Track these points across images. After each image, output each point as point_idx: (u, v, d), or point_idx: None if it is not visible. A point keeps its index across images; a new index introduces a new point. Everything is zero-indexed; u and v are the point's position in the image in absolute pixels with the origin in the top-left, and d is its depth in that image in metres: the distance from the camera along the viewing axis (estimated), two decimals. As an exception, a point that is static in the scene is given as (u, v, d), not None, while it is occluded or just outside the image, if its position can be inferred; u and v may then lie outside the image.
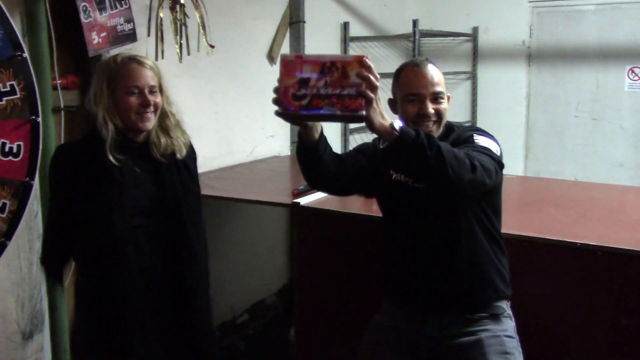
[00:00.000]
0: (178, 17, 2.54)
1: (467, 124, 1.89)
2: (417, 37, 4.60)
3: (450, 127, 1.92)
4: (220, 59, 3.39)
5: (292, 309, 2.90)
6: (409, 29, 4.65)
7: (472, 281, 1.85)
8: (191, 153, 2.08)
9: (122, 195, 1.87)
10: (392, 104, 1.92)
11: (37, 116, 2.08)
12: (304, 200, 2.73)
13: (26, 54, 2.17)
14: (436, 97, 1.83)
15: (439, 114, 1.83)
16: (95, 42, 2.71)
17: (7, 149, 2.00)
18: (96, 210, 1.86)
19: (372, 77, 1.46)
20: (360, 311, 2.67)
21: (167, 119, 1.98)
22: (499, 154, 1.81)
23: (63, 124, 2.62)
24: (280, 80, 1.48)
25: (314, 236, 2.75)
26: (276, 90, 1.50)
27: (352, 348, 2.70)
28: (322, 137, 1.76)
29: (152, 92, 1.92)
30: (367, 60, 1.46)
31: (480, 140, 1.80)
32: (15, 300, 2.46)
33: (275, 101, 1.51)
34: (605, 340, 2.15)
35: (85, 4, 2.64)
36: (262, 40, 3.84)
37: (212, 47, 2.66)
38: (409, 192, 1.87)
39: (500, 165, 1.80)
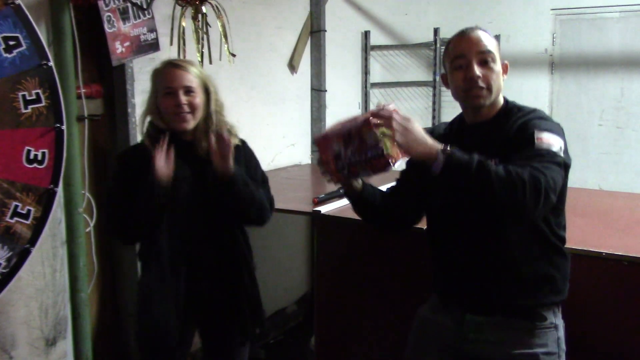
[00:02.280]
0: (200, 26, 2.56)
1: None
2: (438, 45, 4.59)
3: (510, 108, 1.75)
4: (242, 68, 3.41)
5: (312, 318, 2.89)
6: (430, 37, 4.64)
7: (508, 283, 1.72)
8: (238, 156, 2.08)
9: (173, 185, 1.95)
10: (444, 79, 1.82)
11: (62, 124, 2.11)
12: (325, 209, 2.73)
13: (51, 63, 2.20)
14: (484, 59, 1.68)
15: (487, 80, 1.68)
16: (118, 51, 2.74)
17: (32, 156, 2.03)
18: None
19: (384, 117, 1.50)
20: (381, 320, 2.65)
21: (210, 120, 2.03)
22: (563, 149, 1.63)
23: (87, 133, 2.65)
24: (322, 156, 1.65)
25: (335, 244, 2.74)
26: (320, 163, 1.68)
27: (372, 356, 2.69)
28: (365, 184, 1.83)
29: (188, 92, 1.98)
30: (371, 119, 1.51)
31: (544, 139, 1.60)
32: (39, 307, 2.48)
33: (324, 173, 1.69)
34: (633, 350, 2.11)
35: (109, 14, 2.68)
36: (283, 49, 3.86)
37: (234, 55, 2.68)
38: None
39: (566, 167, 1.65)
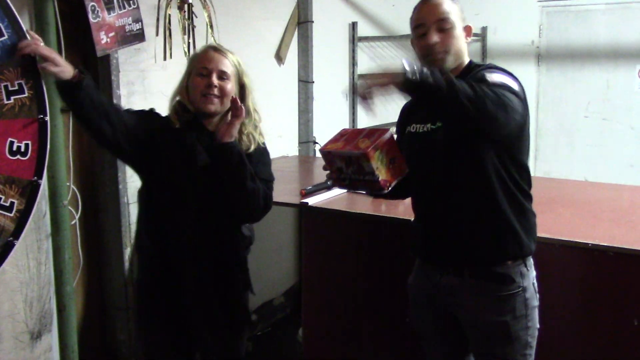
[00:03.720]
0: (186, 16, 2.54)
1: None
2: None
3: (472, 67, 1.82)
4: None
5: (300, 310, 2.89)
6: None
7: (473, 236, 1.78)
8: (258, 155, 2.09)
9: (181, 167, 1.98)
10: (413, 45, 1.90)
11: (46, 115, 2.07)
12: (312, 201, 2.72)
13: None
14: (442, 27, 1.76)
15: (445, 44, 1.76)
16: (103, 42, 2.70)
17: (15, 147, 1.99)
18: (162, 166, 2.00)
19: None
20: (368, 311, 2.66)
21: (245, 115, 2.01)
22: (519, 90, 1.68)
23: (72, 124, 2.62)
24: (326, 166, 1.82)
25: (322, 236, 2.74)
26: (325, 168, 1.83)
27: (359, 348, 2.69)
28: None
29: (221, 77, 1.98)
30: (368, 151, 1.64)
31: (495, 77, 1.67)
32: (24, 300, 2.46)
33: (329, 177, 1.84)
34: (617, 341, 2.13)
35: (93, 4, 2.63)
36: (270, 40, 3.84)
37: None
38: (426, 144, 1.84)
39: (524, 103, 1.68)
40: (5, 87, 1.92)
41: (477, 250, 1.79)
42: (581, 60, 4.86)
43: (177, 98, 2.05)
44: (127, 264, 2.87)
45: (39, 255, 2.48)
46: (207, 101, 1.97)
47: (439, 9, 1.78)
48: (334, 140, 1.78)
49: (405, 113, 2.03)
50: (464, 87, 1.52)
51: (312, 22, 4.04)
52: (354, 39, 4.58)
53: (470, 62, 1.85)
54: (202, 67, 1.98)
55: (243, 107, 1.95)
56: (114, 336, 2.95)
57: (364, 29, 4.65)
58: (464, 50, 1.83)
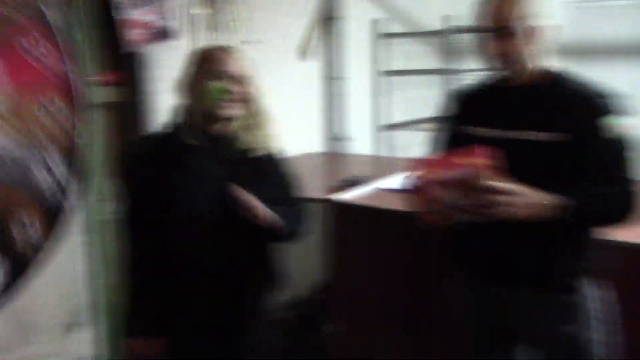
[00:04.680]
0: (212, 13, 2.55)
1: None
2: (449, 33, 4.57)
3: (556, 77, 1.67)
4: (255, 54, 3.39)
5: (328, 306, 2.89)
6: (442, 25, 4.62)
7: (545, 254, 1.67)
8: (270, 166, 2.03)
9: (190, 180, 1.89)
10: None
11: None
12: (339, 196, 2.72)
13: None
14: (504, 34, 1.58)
15: (510, 54, 1.59)
16: (131, 38, 2.73)
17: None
18: (164, 192, 1.89)
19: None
20: (397, 308, 2.65)
21: (257, 115, 1.97)
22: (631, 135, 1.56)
23: (103, 120, 2.65)
24: (423, 198, 1.62)
25: (349, 232, 2.75)
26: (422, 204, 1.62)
27: (387, 345, 2.69)
28: None
29: (237, 81, 1.90)
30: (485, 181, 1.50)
31: (614, 127, 1.54)
32: (59, 293, 2.49)
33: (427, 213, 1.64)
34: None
35: (121, 0, 2.66)
36: (295, 36, 3.84)
37: (246, 42, 2.66)
38: (516, 153, 1.65)
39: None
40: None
41: (545, 263, 1.68)
42: (605, 56, 4.80)
43: (189, 102, 1.94)
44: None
45: (73, 250, 2.52)
46: (221, 106, 1.88)
47: (501, 15, 1.62)
48: (422, 172, 1.63)
49: (465, 107, 1.83)
50: (600, 209, 1.54)
51: (338, 18, 4.04)
52: (379, 35, 4.58)
53: (555, 70, 1.70)
54: (214, 70, 1.89)
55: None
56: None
57: (388, 25, 4.64)
58: (536, 52, 1.68)
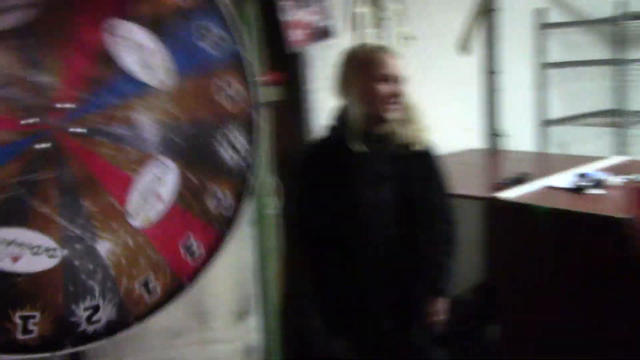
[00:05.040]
0: (377, 10, 2.56)
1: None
2: (621, 20, 4.22)
3: None
4: (413, 51, 3.36)
5: (490, 307, 2.78)
6: (612, 11, 4.28)
7: None
8: (423, 161, 2.06)
9: (365, 184, 1.93)
10: None
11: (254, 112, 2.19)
12: (504, 194, 2.61)
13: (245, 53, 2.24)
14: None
15: None
16: (294, 38, 2.82)
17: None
18: (341, 199, 1.94)
19: None
20: (565, 313, 2.47)
21: (409, 110, 2.00)
22: None
23: (268, 119, 2.75)
24: None
25: (514, 232, 2.62)
26: None
27: (555, 349, 2.52)
28: None
29: (400, 82, 1.95)
30: None
31: None
32: (231, 283, 2.62)
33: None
34: None
35: (285, 2, 2.76)
36: (455, 30, 3.76)
37: (413, 38, 2.64)
38: None
39: None
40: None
41: None
42: None
43: (357, 106, 1.97)
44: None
45: (242, 241, 2.64)
46: (390, 109, 1.93)
47: None
48: None
49: None
50: None
51: (498, 10, 3.90)
52: (541, 26, 4.35)
53: None
54: (383, 74, 1.92)
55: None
56: (309, 322, 3.04)
57: (552, 15, 4.39)
58: None
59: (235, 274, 2.64)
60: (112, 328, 1.78)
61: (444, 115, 3.70)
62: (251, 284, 2.69)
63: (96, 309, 1.74)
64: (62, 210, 1.66)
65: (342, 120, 1.99)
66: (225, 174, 2.00)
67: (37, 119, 1.61)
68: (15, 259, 1.61)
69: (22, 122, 1.58)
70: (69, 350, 1.71)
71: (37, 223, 1.63)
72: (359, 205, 1.92)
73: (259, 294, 2.69)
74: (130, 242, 1.79)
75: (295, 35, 2.82)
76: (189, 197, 1.90)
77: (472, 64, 3.90)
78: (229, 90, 1.98)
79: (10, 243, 1.59)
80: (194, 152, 1.90)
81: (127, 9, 1.76)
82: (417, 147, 2.00)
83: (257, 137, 2.03)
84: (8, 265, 1.60)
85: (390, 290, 1.98)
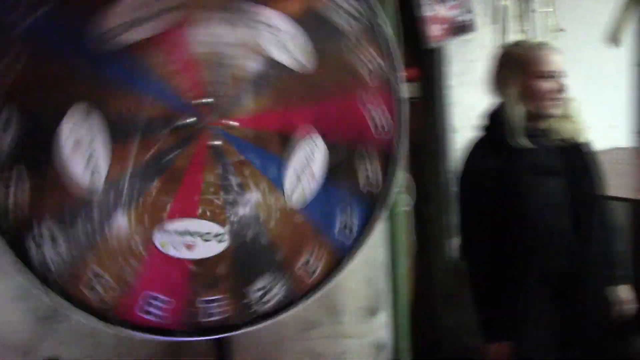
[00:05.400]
0: (522, 2, 2.46)
1: None
2: None
3: None
4: (559, 43, 3.20)
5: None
6: None
7: None
8: (579, 157, 2.03)
9: (533, 178, 1.93)
10: None
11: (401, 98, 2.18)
12: (660, 196, 2.43)
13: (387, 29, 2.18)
14: None
15: None
16: (435, 34, 2.77)
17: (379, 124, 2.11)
18: (509, 195, 1.93)
19: None
20: None
21: (568, 105, 1.99)
22: None
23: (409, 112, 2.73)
24: None
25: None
26: None
27: None
28: None
29: (560, 78, 1.95)
30: None
31: None
32: (363, 279, 2.66)
33: None
34: None
35: (425, -2, 2.71)
36: (602, 21, 3.52)
37: (562, 30, 2.52)
38: None
39: None
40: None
41: None
42: None
43: (518, 103, 1.94)
44: (451, 253, 2.91)
45: (376, 237, 2.65)
46: (554, 105, 1.94)
47: None
48: None
49: None
50: None
51: (653, -2, 3.60)
52: None
53: None
54: (547, 71, 1.93)
55: None
56: (439, 322, 3.02)
57: None
58: None
59: (367, 270, 2.67)
60: (280, 308, 1.90)
61: (588, 111, 3.51)
62: (382, 280, 2.70)
63: (267, 289, 1.85)
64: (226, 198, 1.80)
65: (500, 117, 1.98)
66: (372, 147, 2.01)
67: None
68: (190, 247, 1.75)
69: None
70: (244, 330, 1.84)
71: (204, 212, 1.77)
72: (528, 199, 1.92)
73: (389, 290, 2.70)
74: (290, 223, 1.87)
75: (434, 31, 2.77)
76: (339, 173, 1.93)
77: (620, 57, 3.65)
78: (369, 64, 1.98)
79: (183, 233, 1.74)
80: (340, 127, 1.92)
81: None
82: (576, 142, 2.00)
83: (398, 109, 2.01)
84: (185, 253, 1.75)
85: (561, 284, 1.95)
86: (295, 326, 2.46)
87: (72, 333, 1.98)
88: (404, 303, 2.69)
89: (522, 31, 2.56)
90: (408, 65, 2.86)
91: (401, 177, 2.66)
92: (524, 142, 1.91)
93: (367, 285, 2.67)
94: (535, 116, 1.94)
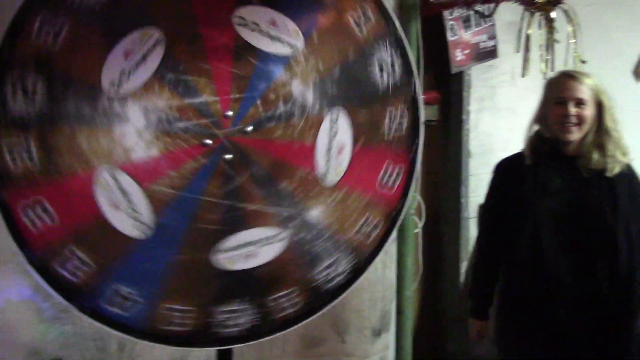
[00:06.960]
0: (548, 31, 2.45)
1: None
2: None
3: None
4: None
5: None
6: None
7: None
8: (628, 174, 2.02)
9: (535, 197, 1.99)
10: None
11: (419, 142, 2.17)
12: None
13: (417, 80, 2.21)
14: None
15: None
16: (458, 58, 2.78)
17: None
18: (516, 208, 2.03)
19: None
20: None
21: (605, 135, 1.97)
22: None
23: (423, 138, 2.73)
24: None
25: None
26: None
27: None
28: None
29: (578, 104, 1.96)
30: None
31: None
32: (369, 299, 2.65)
33: None
34: None
35: (452, 22, 2.73)
36: (629, 54, 3.50)
37: (584, 62, 2.50)
38: None
39: None
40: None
41: None
42: None
43: (535, 128, 2.06)
44: (462, 277, 2.90)
45: (385, 258, 2.66)
46: (564, 130, 1.96)
47: None
48: None
49: None
50: None
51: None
52: None
53: None
54: (558, 97, 1.98)
55: None
56: (444, 345, 3.01)
57: None
58: None
59: (376, 290, 2.66)
60: (351, 279, 1.91)
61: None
62: (389, 301, 2.70)
63: (331, 268, 1.86)
64: (268, 201, 1.78)
65: (533, 142, 2.06)
66: (387, 95, 1.99)
67: (212, 136, 1.73)
68: (251, 256, 1.75)
69: (204, 143, 1.70)
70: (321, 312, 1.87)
71: (254, 220, 1.76)
72: (534, 217, 1.99)
73: (395, 311, 2.69)
74: (333, 200, 1.86)
75: (457, 55, 2.78)
76: (364, 134, 1.91)
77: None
78: (362, 19, 1.97)
79: (239, 247, 1.74)
80: (352, 89, 1.90)
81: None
82: (610, 173, 1.96)
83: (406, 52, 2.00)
84: (245, 265, 1.75)
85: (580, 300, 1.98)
86: (299, 342, 2.46)
87: (77, 336, 2.00)
88: (409, 325, 2.67)
89: (545, 61, 2.54)
90: (429, 88, 2.88)
91: (414, 200, 2.66)
92: (530, 161, 2.00)
93: (373, 305, 2.67)
94: (557, 141, 1.99)
